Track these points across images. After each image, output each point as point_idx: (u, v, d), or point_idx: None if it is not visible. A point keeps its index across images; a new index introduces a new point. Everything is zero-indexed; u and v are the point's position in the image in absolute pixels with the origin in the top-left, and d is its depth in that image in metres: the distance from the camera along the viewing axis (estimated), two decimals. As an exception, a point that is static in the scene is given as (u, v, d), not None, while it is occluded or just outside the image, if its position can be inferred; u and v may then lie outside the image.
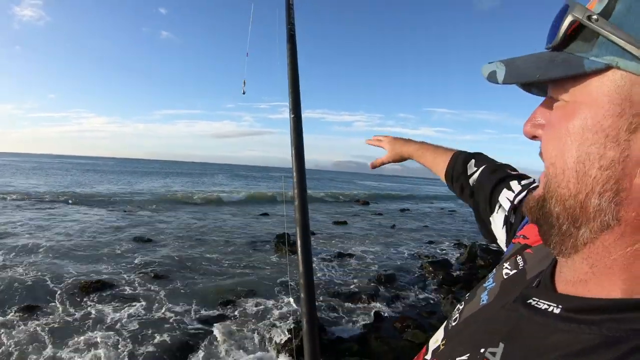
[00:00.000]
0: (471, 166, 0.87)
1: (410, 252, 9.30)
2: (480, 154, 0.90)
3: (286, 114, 1.03)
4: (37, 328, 4.31)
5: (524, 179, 0.74)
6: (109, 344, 4.11)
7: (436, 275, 7.18)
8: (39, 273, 6.03)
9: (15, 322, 4.40)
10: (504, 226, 0.69)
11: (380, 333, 4.65)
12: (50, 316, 4.64)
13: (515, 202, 0.68)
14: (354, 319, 5.11)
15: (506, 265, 0.52)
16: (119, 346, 4.08)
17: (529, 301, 0.39)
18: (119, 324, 4.54)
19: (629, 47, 0.28)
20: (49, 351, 3.90)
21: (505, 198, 0.71)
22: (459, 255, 9.19)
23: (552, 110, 0.36)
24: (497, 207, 0.73)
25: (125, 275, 6.22)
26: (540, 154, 0.38)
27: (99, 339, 4.16)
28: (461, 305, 0.54)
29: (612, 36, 0.29)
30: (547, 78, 0.33)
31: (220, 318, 4.86)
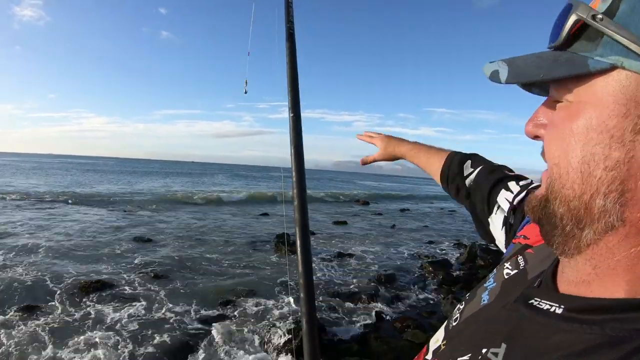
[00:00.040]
0: (467, 167, 0.86)
1: (410, 252, 9.29)
2: (476, 155, 0.90)
3: (286, 114, 1.03)
4: (37, 328, 4.31)
5: (522, 180, 0.73)
6: (108, 344, 4.10)
7: (436, 275, 7.18)
8: (39, 273, 6.03)
9: (15, 322, 4.40)
10: (503, 227, 0.69)
11: (380, 333, 4.64)
12: (50, 316, 4.64)
13: (515, 202, 0.67)
14: (354, 319, 5.10)
15: (507, 265, 0.51)
16: (119, 346, 4.08)
17: (530, 301, 0.38)
18: (118, 324, 4.54)
19: (634, 47, 0.28)
20: (48, 351, 3.90)
21: (504, 199, 0.70)
22: (458, 255, 9.19)
23: (554, 110, 0.36)
24: (495, 208, 0.72)
25: (125, 275, 6.22)
26: (542, 154, 0.38)
27: (98, 339, 4.16)
28: (461, 305, 0.53)
29: (617, 36, 0.28)
30: (550, 78, 0.33)
31: (220, 318, 4.86)
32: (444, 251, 9.79)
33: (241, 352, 4.14)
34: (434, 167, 0.96)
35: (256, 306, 5.29)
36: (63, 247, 7.67)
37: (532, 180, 0.73)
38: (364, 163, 1.13)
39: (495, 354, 0.37)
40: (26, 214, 11.41)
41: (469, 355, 0.40)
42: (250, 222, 12.58)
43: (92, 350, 3.97)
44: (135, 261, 7.03)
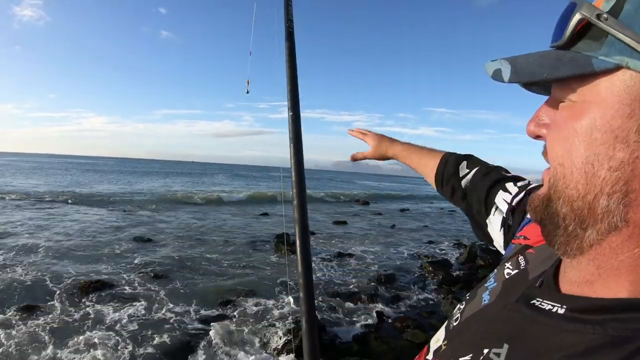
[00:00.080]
0: (463, 168, 0.85)
1: (410, 252, 9.29)
2: (471, 155, 0.89)
3: (285, 114, 1.03)
4: (37, 328, 4.31)
5: (519, 181, 0.73)
6: (108, 344, 4.10)
7: (436, 275, 7.18)
8: (39, 273, 6.02)
9: (14, 322, 4.40)
10: (502, 228, 0.68)
11: (380, 333, 4.64)
12: (50, 316, 4.63)
13: (513, 204, 0.67)
14: (354, 319, 5.10)
15: (508, 265, 0.51)
16: (119, 346, 4.08)
17: (532, 302, 0.38)
18: (118, 324, 4.54)
19: (639, 47, 0.28)
20: (48, 351, 3.90)
21: (502, 200, 0.70)
22: (458, 255, 9.19)
23: (556, 109, 0.36)
24: (493, 209, 0.72)
25: (125, 275, 6.22)
26: (544, 154, 0.38)
27: (98, 339, 4.16)
28: (462, 304, 0.53)
29: (622, 36, 0.28)
30: (555, 77, 0.33)
31: (220, 318, 4.86)
32: (443, 251, 9.79)
33: (241, 352, 4.14)
34: (428, 168, 0.95)
35: (256, 306, 5.29)
36: (63, 247, 7.67)
37: (529, 181, 0.72)
38: (354, 159, 1.11)
39: (498, 355, 0.37)
40: (26, 213, 11.41)
41: (471, 355, 0.40)
42: (250, 222, 12.58)
43: (92, 350, 3.97)
44: (135, 261, 7.03)
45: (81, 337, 4.18)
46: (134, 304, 5.14)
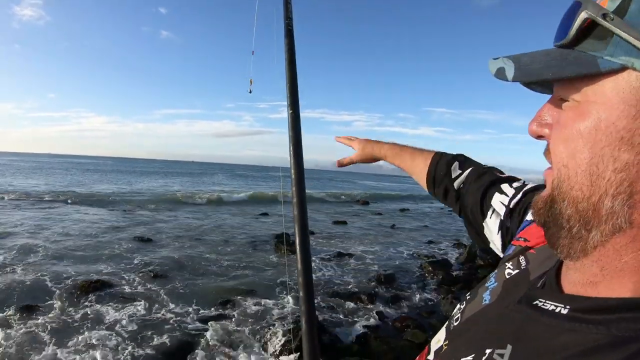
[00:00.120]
0: (455, 169, 0.83)
1: (409, 252, 9.30)
2: (462, 155, 0.87)
3: (285, 114, 1.02)
4: (37, 328, 4.31)
5: (514, 182, 0.72)
6: (108, 344, 4.10)
7: (436, 275, 7.18)
8: (38, 272, 6.02)
9: (14, 322, 4.40)
10: (499, 231, 0.68)
11: (380, 333, 4.64)
12: (50, 316, 4.63)
13: (511, 206, 0.66)
14: (354, 319, 5.10)
15: (508, 265, 0.51)
16: (118, 346, 4.08)
17: (535, 302, 0.38)
18: (118, 324, 4.53)
19: None
20: (48, 351, 3.89)
21: (499, 202, 0.69)
22: (458, 255, 9.19)
23: (559, 109, 0.35)
24: (490, 212, 0.71)
25: (124, 275, 6.22)
26: (546, 154, 0.37)
27: (98, 339, 4.16)
28: (462, 304, 0.53)
29: (628, 36, 0.28)
30: (560, 77, 0.33)
31: (220, 318, 4.86)
32: (443, 251, 9.79)
33: (241, 352, 4.13)
34: (418, 168, 0.93)
35: (256, 306, 5.29)
36: (62, 247, 7.67)
37: (524, 181, 0.72)
38: (341, 165, 1.08)
39: (501, 355, 0.36)
40: (26, 213, 11.42)
41: (472, 355, 0.40)
42: (250, 222, 12.58)
43: (91, 350, 3.96)
44: (135, 261, 7.03)
45: (81, 337, 4.18)
46: (134, 303, 5.14)
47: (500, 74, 0.37)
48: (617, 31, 0.29)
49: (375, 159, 1.03)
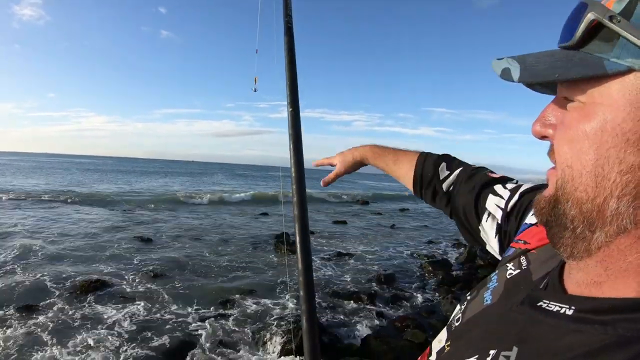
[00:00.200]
0: (443, 169, 0.81)
1: (409, 252, 9.30)
2: (448, 155, 0.86)
3: (285, 113, 1.02)
4: (36, 328, 4.31)
5: (507, 182, 0.70)
6: (108, 343, 4.10)
7: (436, 275, 7.19)
8: (38, 272, 6.02)
9: (14, 322, 4.40)
10: (497, 235, 0.66)
11: (380, 333, 4.64)
12: (50, 316, 4.63)
13: (508, 209, 0.65)
14: (354, 318, 5.10)
15: (510, 265, 0.51)
16: (118, 346, 4.07)
17: (539, 304, 0.38)
18: (118, 324, 4.53)
19: None
20: (48, 351, 3.89)
21: (494, 205, 0.68)
22: (458, 255, 9.19)
23: (564, 109, 0.35)
24: (485, 215, 0.69)
25: (124, 275, 6.22)
26: (550, 154, 0.37)
27: (98, 339, 4.16)
28: (463, 305, 0.53)
29: (634, 38, 0.28)
30: (566, 78, 0.33)
31: (220, 318, 4.86)
32: (443, 251, 9.80)
33: (241, 351, 4.13)
34: (402, 170, 0.90)
35: (256, 306, 5.29)
36: (62, 247, 7.67)
37: (517, 181, 0.71)
38: (326, 184, 1.04)
39: (507, 357, 0.36)
40: (26, 213, 11.41)
41: (476, 357, 0.40)
42: (250, 222, 12.58)
43: (91, 349, 3.96)
44: (135, 261, 7.03)
45: (81, 337, 4.18)
46: (134, 303, 5.14)
47: (505, 74, 0.37)
48: (624, 33, 0.29)
49: (358, 164, 1.00)
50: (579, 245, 0.34)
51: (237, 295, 5.60)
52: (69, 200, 15.03)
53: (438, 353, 0.49)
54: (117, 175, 38.13)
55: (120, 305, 5.04)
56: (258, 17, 1.24)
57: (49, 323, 4.43)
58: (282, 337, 4.27)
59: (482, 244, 0.72)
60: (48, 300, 5.05)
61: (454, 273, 7.42)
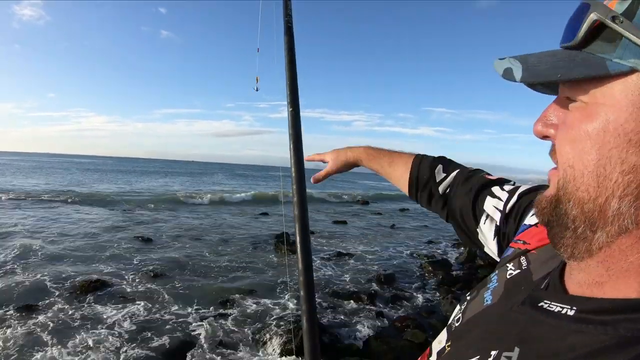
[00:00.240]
0: (439, 172, 0.81)
1: (409, 252, 9.30)
2: (444, 158, 0.85)
3: (285, 113, 1.02)
4: (36, 328, 4.31)
5: (505, 184, 0.70)
6: (108, 343, 4.10)
7: (436, 275, 7.19)
8: (38, 272, 6.02)
9: (14, 322, 4.40)
10: (495, 237, 0.66)
11: (380, 333, 4.65)
12: (49, 315, 4.63)
13: (507, 210, 0.65)
14: (354, 319, 5.10)
15: (510, 265, 0.51)
16: (118, 346, 4.07)
17: (540, 304, 0.38)
18: (118, 324, 4.53)
19: None
20: (48, 351, 3.89)
21: (493, 207, 0.67)
22: (458, 255, 9.20)
23: (565, 109, 0.35)
24: (483, 217, 0.69)
25: (124, 275, 6.22)
26: (551, 154, 0.37)
27: (98, 339, 4.16)
28: (463, 305, 0.52)
29: (637, 39, 0.28)
30: (568, 78, 0.33)
31: (220, 318, 4.86)
32: (443, 251, 9.80)
33: (241, 351, 4.13)
34: (397, 172, 0.89)
35: (256, 306, 5.29)
36: (62, 247, 7.67)
37: (515, 183, 0.70)
38: (317, 181, 1.01)
39: (509, 358, 0.36)
40: (26, 213, 11.41)
41: (477, 357, 0.39)
42: (251, 222, 12.58)
43: (91, 350, 3.96)
44: (135, 261, 7.03)
45: (81, 337, 4.18)
46: (134, 303, 5.14)
47: (507, 74, 0.37)
48: (627, 34, 0.28)
49: (351, 165, 0.98)
50: (580, 245, 0.34)
51: (237, 295, 5.60)
52: (69, 200, 15.03)
53: (438, 353, 0.49)
54: (117, 175, 38.13)
55: (120, 305, 5.04)
56: (259, 16, 1.24)
57: (49, 323, 4.43)
58: (282, 337, 4.27)
59: (480, 246, 0.72)
60: (48, 300, 5.05)
61: (454, 273, 7.42)
